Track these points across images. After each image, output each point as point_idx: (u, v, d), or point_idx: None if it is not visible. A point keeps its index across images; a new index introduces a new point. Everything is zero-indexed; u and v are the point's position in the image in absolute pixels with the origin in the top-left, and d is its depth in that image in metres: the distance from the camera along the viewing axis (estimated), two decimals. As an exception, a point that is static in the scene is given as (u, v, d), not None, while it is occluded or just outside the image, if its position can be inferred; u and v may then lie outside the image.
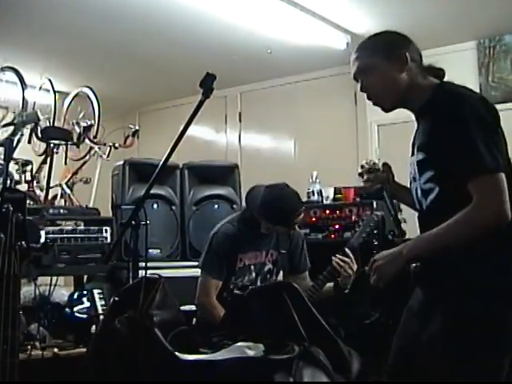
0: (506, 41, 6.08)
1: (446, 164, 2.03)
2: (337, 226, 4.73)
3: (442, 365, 2.02)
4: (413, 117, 2.29)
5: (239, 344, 2.53)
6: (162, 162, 2.62)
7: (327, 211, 4.83)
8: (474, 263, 2.01)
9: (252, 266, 3.65)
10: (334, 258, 3.43)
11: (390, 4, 5.27)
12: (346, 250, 3.42)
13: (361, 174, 2.61)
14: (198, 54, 6.04)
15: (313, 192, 5.01)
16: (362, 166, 2.64)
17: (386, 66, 2.23)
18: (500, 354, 2.02)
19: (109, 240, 3.97)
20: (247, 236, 3.62)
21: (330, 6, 5.26)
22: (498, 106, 6.52)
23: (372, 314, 3.78)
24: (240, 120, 7.55)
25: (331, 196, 5.02)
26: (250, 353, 2.46)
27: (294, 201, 3.57)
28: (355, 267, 3.41)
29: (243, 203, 4.09)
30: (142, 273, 2.91)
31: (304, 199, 5.00)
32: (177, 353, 2.40)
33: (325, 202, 5.01)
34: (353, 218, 4.69)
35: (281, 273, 3.79)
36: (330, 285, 3.51)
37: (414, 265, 2.19)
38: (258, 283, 3.63)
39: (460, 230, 1.97)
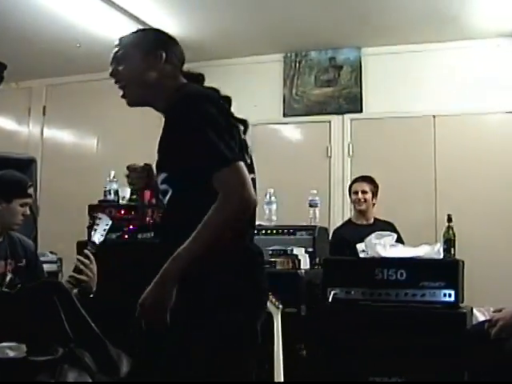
0: (311, 56, 6.40)
1: (179, 166, 2.07)
2: (131, 227, 4.68)
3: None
4: None
5: (1, 345, 2.45)
6: None
7: (122, 211, 4.76)
8: (215, 275, 2.04)
9: None
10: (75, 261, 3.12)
11: (193, 10, 5.40)
12: (86, 251, 3.11)
13: None
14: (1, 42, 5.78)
15: (109, 191, 4.90)
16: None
17: (138, 58, 2.27)
18: (244, 355, 2.11)
19: None
20: None
21: (140, 5, 5.28)
22: (298, 119, 6.80)
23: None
24: (44, 113, 7.33)
25: (127, 196, 4.96)
26: (11, 354, 2.38)
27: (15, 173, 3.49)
28: (95, 268, 3.12)
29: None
30: None
31: (101, 198, 4.93)
32: None
33: (121, 201, 4.94)
34: (147, 219, 4.67)
35: None
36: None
37: None
38: None
39: (215, 224, 1.97)
